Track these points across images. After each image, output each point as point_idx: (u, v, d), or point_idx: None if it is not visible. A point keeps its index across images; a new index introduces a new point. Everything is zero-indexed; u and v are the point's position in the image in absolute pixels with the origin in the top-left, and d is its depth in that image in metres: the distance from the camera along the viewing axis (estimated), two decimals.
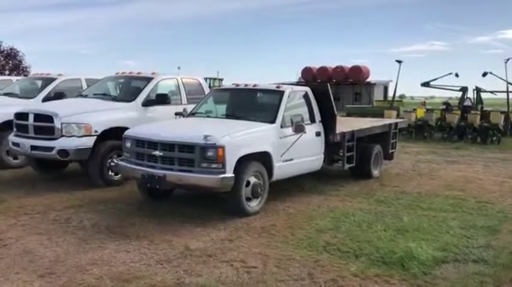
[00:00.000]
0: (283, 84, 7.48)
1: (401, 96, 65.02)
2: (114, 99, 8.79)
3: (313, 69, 46.27)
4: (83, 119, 7.68)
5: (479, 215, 6.42)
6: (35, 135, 7.87)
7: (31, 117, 7.95)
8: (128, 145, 6.49)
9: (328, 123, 7.60)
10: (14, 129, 8.33)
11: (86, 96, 9.12)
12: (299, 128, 6.62)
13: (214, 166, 5.76)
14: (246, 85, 7.71)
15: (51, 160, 8.03)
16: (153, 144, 6.14)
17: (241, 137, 6.17)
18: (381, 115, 16.92)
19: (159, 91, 8.75)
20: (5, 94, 10.56)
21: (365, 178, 8.74)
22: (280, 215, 6.31)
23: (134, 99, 8.45)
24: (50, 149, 7.57)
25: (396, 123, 10.05)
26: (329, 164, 8.20)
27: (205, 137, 5.77)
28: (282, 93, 7.15)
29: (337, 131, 7.71)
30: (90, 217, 6.07)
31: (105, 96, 8.97)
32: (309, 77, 47.06)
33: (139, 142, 6.35)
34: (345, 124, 8.73)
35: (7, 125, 8.88)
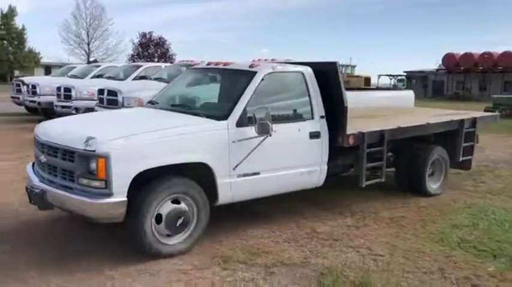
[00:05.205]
0: (287, 62, 5.56)
1: None
2: None
3: (456, 56, 43.13)
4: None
5: None
6: (107, 106, 10.65)
7: (105, 92, 11.08)
8: (34, 145, 4.89)
9: (336, 119, 5.29)
10: (97, 101, 11.48)
11: None
12: (263, 129, 4.47)
13: (95, 184, 3.94)
14: (216, 64, 5.79)
15: None
16: (41, 146, 4.56)
17: (148, 140, 4.13)
18: None
19: None
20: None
21: (415, 194, 6.49)
22: (410, 208, 6.09)
23: None
24: None
25: (474, 119, 7.10)
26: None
27: (87, 140, 4.01)
28: (252, 75, 4.97)
29: (352, 131, 5.39)
30: None
31: None
32: (451, 64, 43.90)
33: (36, 143, 4.76)
34: (386, 119, 6.51)
35: None
